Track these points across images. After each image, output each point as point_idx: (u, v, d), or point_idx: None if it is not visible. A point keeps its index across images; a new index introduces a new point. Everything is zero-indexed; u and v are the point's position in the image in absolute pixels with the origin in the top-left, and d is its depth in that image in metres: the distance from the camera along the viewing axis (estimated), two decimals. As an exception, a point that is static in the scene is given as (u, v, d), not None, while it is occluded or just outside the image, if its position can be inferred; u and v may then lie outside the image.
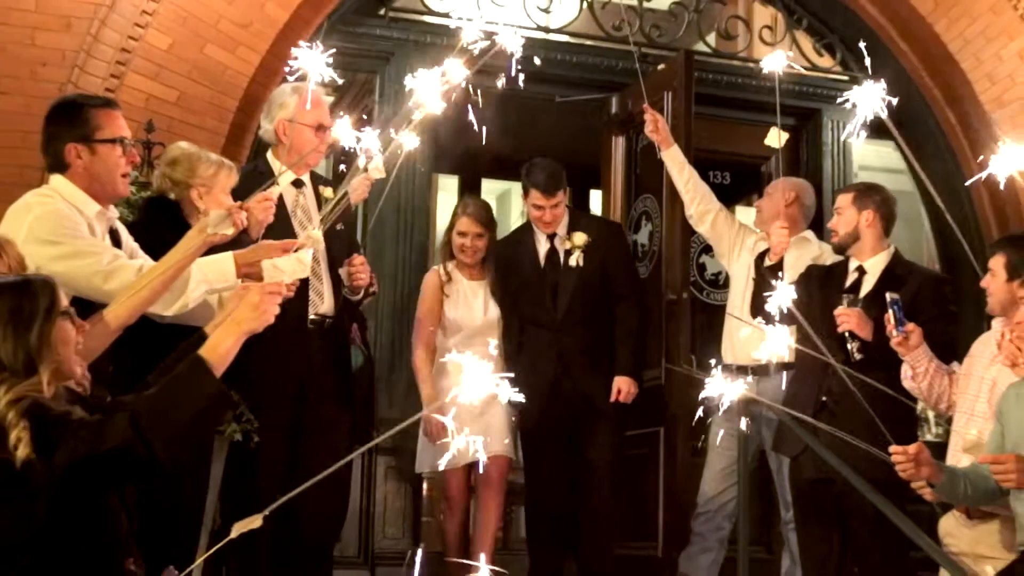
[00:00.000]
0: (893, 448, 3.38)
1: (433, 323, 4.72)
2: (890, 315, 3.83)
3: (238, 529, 2.41)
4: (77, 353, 2.54)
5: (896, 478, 3.72)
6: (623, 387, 4.66)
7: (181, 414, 2.46)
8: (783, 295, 3.43)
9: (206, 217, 3.19)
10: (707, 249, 5.80)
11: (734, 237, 4.97)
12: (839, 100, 3.20)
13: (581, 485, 4.72)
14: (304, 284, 3.83)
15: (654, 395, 5.02)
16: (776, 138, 3.60)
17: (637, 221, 5.65)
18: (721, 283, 5.71)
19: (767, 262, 4.61)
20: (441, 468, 4.40)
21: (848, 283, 4.30)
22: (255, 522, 2.39)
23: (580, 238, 4.74)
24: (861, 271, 4.31)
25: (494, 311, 4.72)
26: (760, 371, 4.75)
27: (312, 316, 4.10)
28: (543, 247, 4.79)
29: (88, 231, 3.25)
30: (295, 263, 2.91)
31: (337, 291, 4.23)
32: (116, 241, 3.42)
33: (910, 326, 3.82)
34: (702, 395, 4.76)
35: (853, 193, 4.40)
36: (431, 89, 2.81)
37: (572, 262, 4.72)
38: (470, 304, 4.71)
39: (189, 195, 3.72)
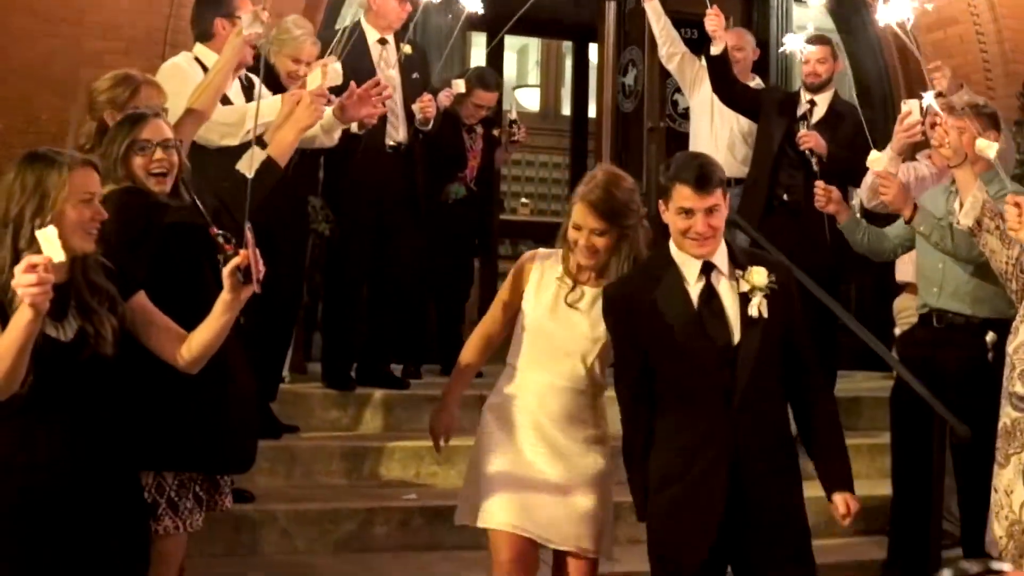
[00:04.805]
0: (818, 183, 4.23)
1: (505, 313, 3.17)
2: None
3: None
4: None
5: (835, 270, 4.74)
6: (852, 506, 2.89)
7: (257, 192, 2.75)
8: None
9: (240, 23, 3.46)
10: (679, 89, 6.12)
11: (695, 75, 5.57)
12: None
13: None
14: (383, 118, 4.42)
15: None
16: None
17: (625, 67, 6.47)
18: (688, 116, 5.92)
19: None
20: (484, 526, 3.01)
21: (800, 112, 4.92)
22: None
23: (761, 276, 2.84)
24: (812, 103, 4.94)
25: (595, 331, 3.02)
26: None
27: (389, 143, 4.78)
28: (695, 287, 2.85)
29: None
30: (320, 75, 3.28)
31: (410, 124, 4.85)
32: (250, 88, 3.97)
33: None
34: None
35: (830, 47, 4.96)
36: None
37: (752, 311, 2.83)
38: (571, 316, 3.04)
39: (279, 58, 4.22)
